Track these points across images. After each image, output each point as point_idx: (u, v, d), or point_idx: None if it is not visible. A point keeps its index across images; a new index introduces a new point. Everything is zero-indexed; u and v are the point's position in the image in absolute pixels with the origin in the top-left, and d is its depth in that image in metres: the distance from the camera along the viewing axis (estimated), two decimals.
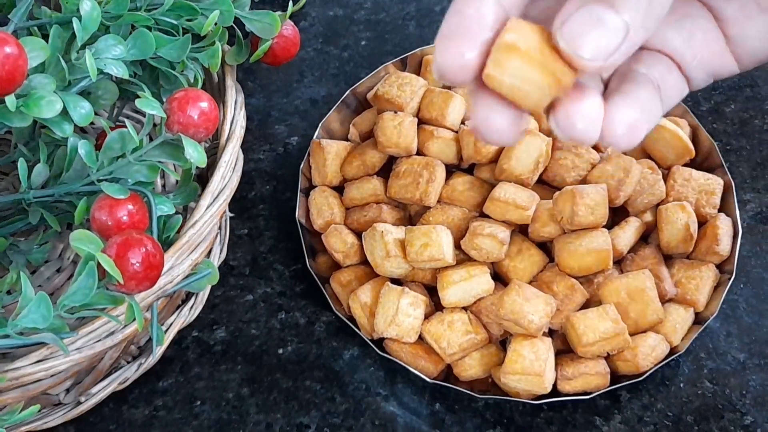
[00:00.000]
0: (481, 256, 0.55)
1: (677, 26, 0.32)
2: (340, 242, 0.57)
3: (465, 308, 0.54)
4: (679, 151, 0.58)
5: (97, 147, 0.45)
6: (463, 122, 0.60)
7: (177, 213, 0.47)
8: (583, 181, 0.57)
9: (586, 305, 0.54)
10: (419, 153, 0.59)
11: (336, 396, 0.55)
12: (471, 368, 0.53)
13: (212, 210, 0.46)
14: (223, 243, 0.60)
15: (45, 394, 0.50)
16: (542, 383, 0.50)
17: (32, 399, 0.46)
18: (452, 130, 0.59)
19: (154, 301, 0.44)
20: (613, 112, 0.28)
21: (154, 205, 0.45)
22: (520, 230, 0.57)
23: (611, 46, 0.26)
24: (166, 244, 0.46)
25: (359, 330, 0.55)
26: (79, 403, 0.52)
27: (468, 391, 0.53)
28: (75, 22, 0.43)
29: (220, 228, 0.59)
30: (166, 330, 0.54)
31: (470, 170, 0.60)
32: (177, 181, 0.55)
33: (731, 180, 0.58)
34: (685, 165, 0.58)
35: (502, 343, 0.55)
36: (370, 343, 0.55)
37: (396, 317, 0.53)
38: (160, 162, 0.45)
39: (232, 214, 0.63)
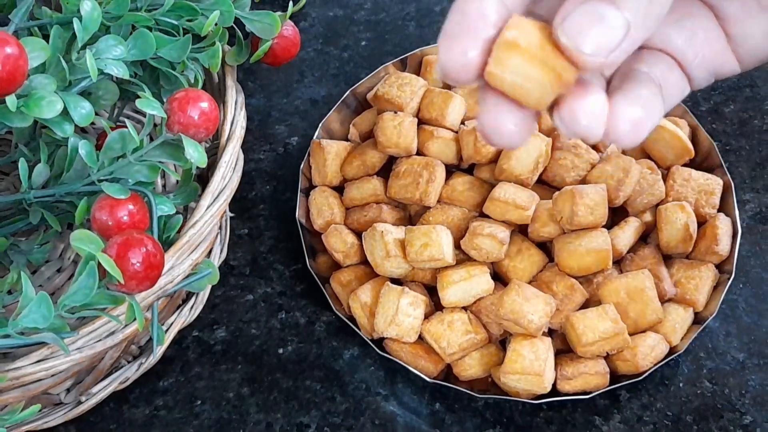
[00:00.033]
0: (481, 256, 0.55)
1: (678, 25, 0.32)
2: (340, 242, 0.57)
3: (465, 308, 0.55)
4: (678, 151, 0.58)
5: (98, 147, 0.45)
6: (463, 122, 0.60)
7: (177, 213, 0.47)
8: (583, 181, 0.57)
9: (585, 305, 0.54)
10: (419, 153, 0.59)
11: (336, 396, 0.55)
12: (471, 368, 0.53)
13: (212, 210, 0.46)
14: (223, 243, 0.60)
15: (46, 393, 0.50)
16: (542, 383, 0.51)
17: (33, 398, 0.46)
18: (452, 130, 0.60)
19: (154, 301, 0.44)
20: (617, 109, 0.28)
21: (155, 205, 0.45)
22: (520, 230, 0.57)
23: (612, 42, 0.26)
24: (167, 244, 0.46)
25: (359, 330, 0.55)
26: (80, 402, 0.52)
27: (468, 391, 0.53)
28: (75, 22, 0.43)
29: (220, 228, 0.59)
30: (167, 330, 0.54)
31: (470, 170, 0.60)
32: (177, 181, 0.55)
33: (731, 180, 0.58)
34: (685, 165, 0.59)
35: (502, 342, 0.55)
36: (370, 342, 0.55)
37: (396, 317, 0.53)
38: (160, 162, 0.45)
39: (232, 214, 0.63)
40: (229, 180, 0.48)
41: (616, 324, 0.51)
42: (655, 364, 0.52)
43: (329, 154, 0.60)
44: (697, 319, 0.55)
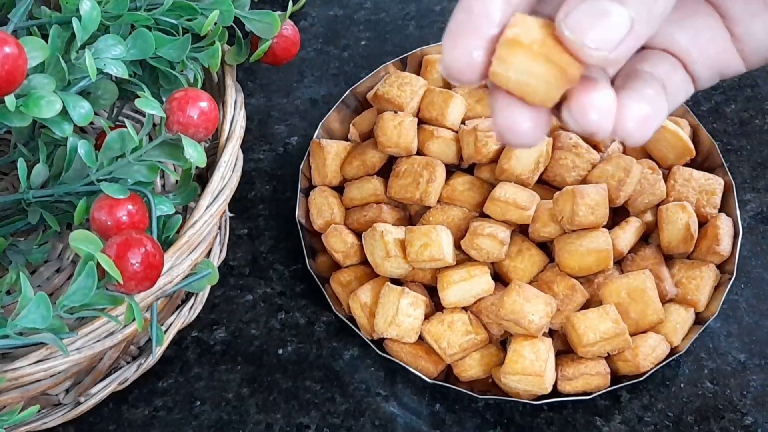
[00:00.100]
0: (481, 256, 0.55)
1: (682, 24, 0.32)
2: (340, 242, 0.57)
3: (465, 308, 0.54)
4: (679, 151, 0.58)
5: (97, 147, 0.45)
6: (463, 122, 0.60)
7: (177, 213, 0.47)
8: (584, 181, 0.57)
9: (586, 305, 0.54)
10: (419, 153, 0.59)
11: (336, 396, 0.55)
12: (471, 368, 0.53)
13: (212, 210, 0.46)
14: (222, 243, 0.60)
15: (44, 394, 0.50)
16: (542, 383, 0.50)
17: (32, 399, 0.46)
18: (452, 130, 0.59)
19: (153, 301, 0.44)
20: (624, 106, 0.28)
21: (154, 205, 0.45)
22: (521, 230, 0.57)
23: (616, 37, 0.26)
24: (166, 244, 0.46)
25: (359, 330, 0.55)
26: (79, 403, 0.52)
27: (468, 392, 0.53)
28: (75, 21, 0.43)
29: (219, 228, 0.59)
30: (166, 330, 0.54)
31: (470, 170, 0.60)
32: (177, 181, 0.55)
33: (732, 180, 0.58)
34: (686, 165, 0.58)
35: (503, 343, 0.55)
36: (370, 343, 0.55)
37: (396, 317, 0.53)
38: (159, 162, 0.45)
39: (232, 214, 0.63)
40: (229, 180, 0.48)
41: (617, 324, 0.51)
42: (656, 365, 0.52)
43: (329, 154, 0.60)
44: (698, 319, 0.55)
